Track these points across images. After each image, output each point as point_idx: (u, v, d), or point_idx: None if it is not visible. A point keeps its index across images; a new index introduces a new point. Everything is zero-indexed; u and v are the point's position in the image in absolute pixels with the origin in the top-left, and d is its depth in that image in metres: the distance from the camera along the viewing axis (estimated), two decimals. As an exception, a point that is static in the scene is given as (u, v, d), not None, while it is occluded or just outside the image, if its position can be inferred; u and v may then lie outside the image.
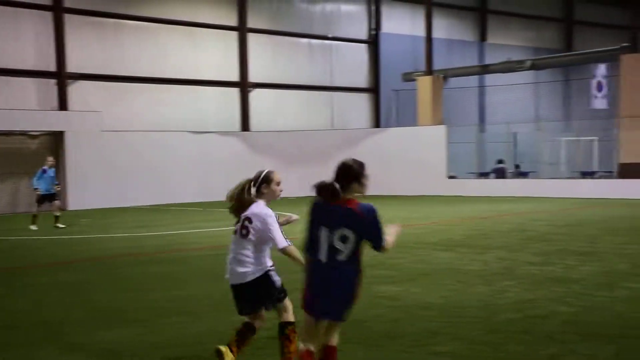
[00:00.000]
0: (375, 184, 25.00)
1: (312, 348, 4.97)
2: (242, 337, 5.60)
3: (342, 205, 4.86)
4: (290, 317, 5.61)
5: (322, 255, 4.88)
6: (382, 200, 26.73)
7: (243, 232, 5.54)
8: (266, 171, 5.67)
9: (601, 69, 28.71)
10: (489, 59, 37.46)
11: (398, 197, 28.34)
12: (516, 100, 38.77)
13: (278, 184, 5.64)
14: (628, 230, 15.19)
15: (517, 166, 32.00)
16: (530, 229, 15.57)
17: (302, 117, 33.98)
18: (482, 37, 40.10)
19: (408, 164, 30.43)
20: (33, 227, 18.27)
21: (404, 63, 35.53)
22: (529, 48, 40.68)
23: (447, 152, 30.12)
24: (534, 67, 33.82)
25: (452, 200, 26.36)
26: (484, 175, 31.77)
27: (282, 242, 5.38)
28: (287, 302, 5.64)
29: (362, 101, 36.43)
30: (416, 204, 25.37)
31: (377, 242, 4.85)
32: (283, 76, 33.40)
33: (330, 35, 34.68)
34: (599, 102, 28.91)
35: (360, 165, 4.96)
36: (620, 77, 27.93)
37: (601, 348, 6.13)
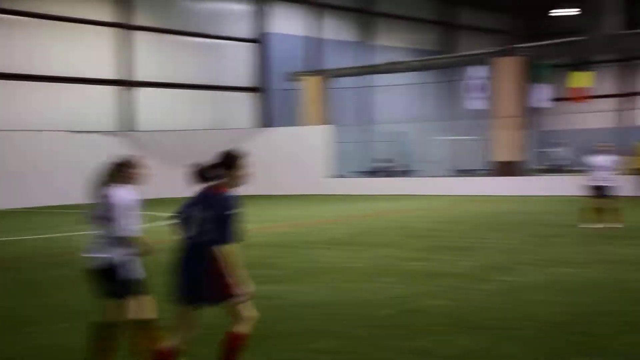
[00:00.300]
0: (261, 183, 25.07)
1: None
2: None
3: (211, 190, 4.98)
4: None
5: (191, 235, 4.93)
6: (268, 200, 26.85)
7: None
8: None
9: (478, 71, 29.84)
10: (374, 60, 38.18)
11: (284, 196, 28.41)
12: (401, 100, 39.74)
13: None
14: (504, 225, 15.81)
15: (402, 165, 32.78)
16: (412, 226, 15.95)
17: (188, 116, 33.45)
18: (368, 38, 40.82)
19: (294, 163, 30.54)
20: None
21: (290, 63, 35.63)
22: (412, 50, 41.77)
23: (333, 152, 30.47)
24: (418, 68, 34.79)
25: (338, 199, 26.66)
26: (370, 174, 32.34)
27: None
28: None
29: (249, 101, 36.27)
30: (302, 203, 25.50)
31: (221, 236, 4.80)
32: (168, 75, 32.77)
33: (214, 34, 34.32)
34: (477, 103, 30.03)
35: (235, 155, 5.04)
36: (493, 79, 29.13)
37: (477, 339, 6.32)
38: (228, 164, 4.96)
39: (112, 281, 5.33)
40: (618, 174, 14.69)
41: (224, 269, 4.81)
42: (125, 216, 5.34)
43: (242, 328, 4.96)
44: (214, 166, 4.97)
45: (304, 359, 6.01)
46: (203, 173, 4.96)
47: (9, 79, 28.00)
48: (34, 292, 9.22)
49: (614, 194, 14.40)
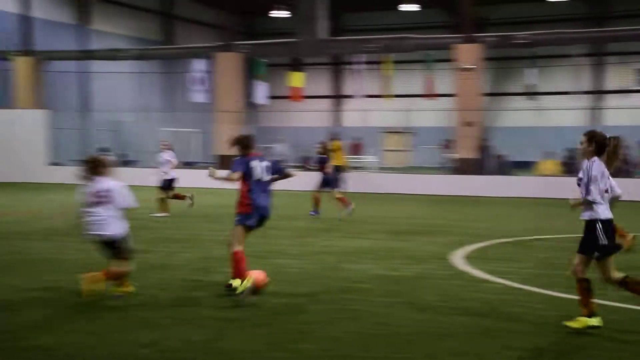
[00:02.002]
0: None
1: None
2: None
3: None
4: None
5: None
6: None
7: None
8: None
9: (199, 64, 30.24)
10: (93, 45, 36.77)
11: (-8, 184, 26.34)
12: (121, 88, 38.77)
13: None
14: (226, 217, 16.27)
15: (120, 155, 32.03)
16: (132, 217, 15.75)
17: None
18: (85, 22, 39.12)
19: (5, 149, 28.42)
20: None
21: (0, 41, 32.98)
22: (132, 37, 40.91)
23: (49, 138, 28.90)
24: (139, 57, 34.20)
25: (55, 187, 25.32)
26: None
27: None
28: None
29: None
30: (16, 191, 23.85)
31: None
32: None
33: None
34: (198, 96, 30.41)
35: None
36: (215, 73, 29.74)
37: (202, 331, 6.54)
38: None
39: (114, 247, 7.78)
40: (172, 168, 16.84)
41: None
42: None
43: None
44: None
45: None
46: None
47: None
48: None
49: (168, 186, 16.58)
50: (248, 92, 30.88)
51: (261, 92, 30.04)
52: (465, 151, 26.24)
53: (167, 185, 16.73)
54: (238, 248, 7.85)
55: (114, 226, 7.70)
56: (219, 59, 29.46)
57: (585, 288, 6.59)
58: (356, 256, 10.85)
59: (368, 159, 33.38)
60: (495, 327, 6.74)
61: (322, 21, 28.65)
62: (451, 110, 27.85)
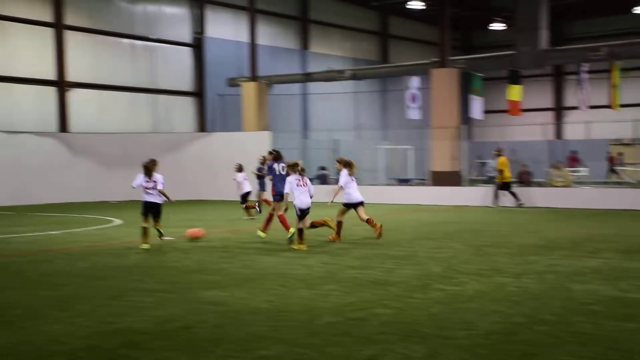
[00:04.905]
0: (203, 189, 25.09)
1: None
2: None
3: None
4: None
5: None
6: (208, 205, 26.68)
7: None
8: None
9: (414, 81, 30.37)
10: (312, 68, 38.39)
11: (224, 201, 28.27)
12: (338, 108, 40.05)
13: None
14: (442, 234, 16.12)
15: (337, 173, 32.94)
16: (350, 234, 16.10)
17: (125, 119, 32.98)
18: (305, 46, 41.01)
19: (233, 169, 30.36)
20: None
21: (229, 68, 35.54)
22: (348, 58, 42.17)
23: (272, 158, 30.43)
24: (354, 77, 35.10)
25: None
26: (306, 181, 32.39)
27: None
28: None
29: (187, 105, 35.98)
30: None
31: None
32: (104, 76, 32.25)
33: (152, 37, 33.94)
34: (413, 113, 30.51)
35: None
36: (430, 89, 29.68)
37: (417, 347, 6.45)
38: None
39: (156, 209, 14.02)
40: None
41: None
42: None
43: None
44: None
45: (250, 365, 6.04)
46: None
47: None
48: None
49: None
50: (463, 108, 30.47)
51: (477, 107, 29.49)
52: None
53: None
54: (280, 213, 14.61)
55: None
56: (434, 75, 29.38)
57: None
58: (583, 276, 10.19)
59: (582, 172, 31.64)
60: None
61: (543, 31, 27.62)
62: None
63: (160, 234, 14.27)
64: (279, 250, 13.40)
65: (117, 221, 19.98)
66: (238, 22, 36.47)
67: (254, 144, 30.70)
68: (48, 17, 30.24)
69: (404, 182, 32.29)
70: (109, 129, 31.64)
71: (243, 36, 34.73)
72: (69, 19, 30.86)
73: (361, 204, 15.16)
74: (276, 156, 15.59)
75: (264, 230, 15.17)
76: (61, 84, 30.60)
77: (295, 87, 37.84)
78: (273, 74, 34.97)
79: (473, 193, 26.69)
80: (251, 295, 8.92)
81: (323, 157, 32.74)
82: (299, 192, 13.55)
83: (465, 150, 29.26)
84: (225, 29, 36.63)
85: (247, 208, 20.84)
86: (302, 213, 13.54)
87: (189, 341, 6.68)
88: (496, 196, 24.63)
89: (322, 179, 31.55)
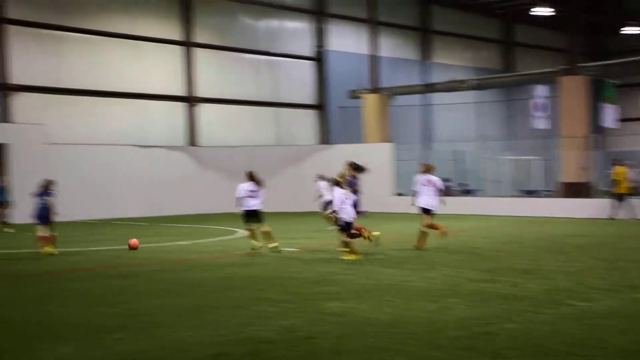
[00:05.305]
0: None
1: None
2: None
3: None
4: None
5: None
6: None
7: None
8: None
9: (541, 90, 29.39)
10: (433, 78, 38.02)
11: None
12: (460, 118, 39.41)
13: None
14: (571, 248, 15.47)
15: (462, 184, 32.41)
16: (475, 246, 15.74)
17: (249, 133, 33.88)
18: (426, 57, 40.67)
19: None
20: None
21: (350, 80, 35.76)
22: (470, 68, 41.45)
23: (394, 170, 30.35)
24: (477, 86, 34.46)
25: (400, 217, 26.46)
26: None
27: None
28: None
29: (309, 117, 36.51)
30: (365, 220, 25.37)
31: None
32: (229, 91, 33.29)
33: (275, 52, 34.69)
34: (540, 122, 29.55)
35: None
36: (559, 98, 28.63)
37: (545, 364, 6.18)
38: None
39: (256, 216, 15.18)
40: None
41: None
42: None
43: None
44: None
45: (372, 378, 5.97)
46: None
47: (86, 95, 28.99)
48: (122, 299, 9.45)
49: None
50: (595, 116, 29.21)
51: (610, 115, 28.18)
52: None
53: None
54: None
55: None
56: (563, 83, 28.33)
57: None
58: None
59: None
60: None
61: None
62: None
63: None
64: (399, 262, 13.26)
65: (241, 232, 20.47)
66: (359, 34, 36.67)
67: (376, 156, 30.70)
68: (178, 35, 31.58)
69: (530, 193, 31.27)
70: (234, 142, 32.57)
71: (364, 48, 34.87)
72: (198, 37, 32.10)
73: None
74: (357, 168, 16.26)
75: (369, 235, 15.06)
76: (190, 100, 31.84)
77: (416, 98, 37.57)
78: (394, 85, 34.88)
79: (603, 205, 25.47)
80: (372, 307, 8.85)
81: (445, 168, 32.24)
82: (344, 204, 13.94)
83: (597, 160, 28.01)
84: (346, 41, 36.94)
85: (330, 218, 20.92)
86: (347, 225, 13.90)
87: (310, 352, 6.68)
88: (614, 207, 23.55)
89: (445, 191, 31.07)
